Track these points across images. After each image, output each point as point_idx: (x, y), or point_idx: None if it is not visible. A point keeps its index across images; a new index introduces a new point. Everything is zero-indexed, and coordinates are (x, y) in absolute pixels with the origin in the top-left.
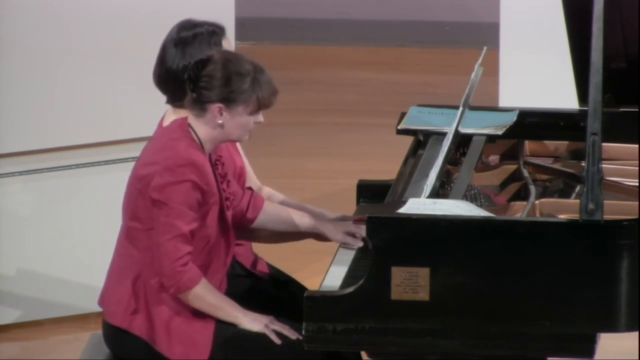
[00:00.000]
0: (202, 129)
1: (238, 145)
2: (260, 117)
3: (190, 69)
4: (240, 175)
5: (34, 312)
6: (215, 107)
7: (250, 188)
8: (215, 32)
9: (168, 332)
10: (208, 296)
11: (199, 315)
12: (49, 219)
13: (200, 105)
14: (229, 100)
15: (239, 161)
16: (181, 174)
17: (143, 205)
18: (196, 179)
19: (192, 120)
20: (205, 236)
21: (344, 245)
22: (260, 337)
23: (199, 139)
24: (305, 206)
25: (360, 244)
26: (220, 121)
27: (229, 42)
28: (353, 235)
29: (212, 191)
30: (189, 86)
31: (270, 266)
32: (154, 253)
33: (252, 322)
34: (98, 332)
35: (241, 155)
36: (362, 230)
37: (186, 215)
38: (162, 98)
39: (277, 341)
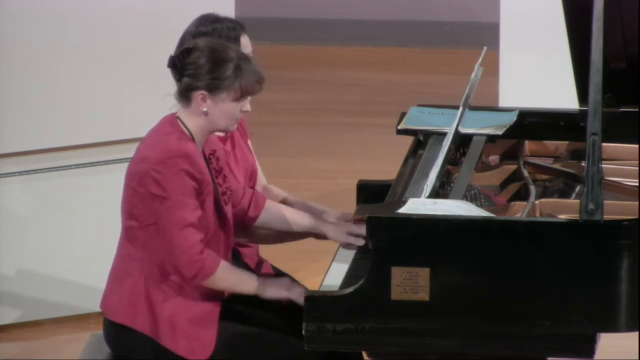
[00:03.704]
0: (190, 119)
1: (250, 144)
2: (247, 106)
3: (176, 57)
4: (252, 175)
5: (34, 312)
6: (198, 94)
7: (252, 187)
8: (235, 28)
9: (172, 327)
10: (229, 276)
11: (202, 312)
12: (49, 219)
13: (185, 94)
14: (211, 87)
15: (251, 160)
16: (174, 165)
17: (139, 201)
18: (189, 167)
19: (181, 112)
20: (204, 227)
21: (345, 245)
22: (261, 336)
23: (189, 131)
24: (309, 204)
25: (362, 242)
26: (204, 109)
27: (248, 40)
28: (355, 235)
29: (206, 180)
30: (175, 76)
31: (273, 268)
32: (166, 248)
33: (275, 290)
34: (98, 332)
35: (253, 155)
36: (362, 229)
37: (187, 204)
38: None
39: (301, 301)
